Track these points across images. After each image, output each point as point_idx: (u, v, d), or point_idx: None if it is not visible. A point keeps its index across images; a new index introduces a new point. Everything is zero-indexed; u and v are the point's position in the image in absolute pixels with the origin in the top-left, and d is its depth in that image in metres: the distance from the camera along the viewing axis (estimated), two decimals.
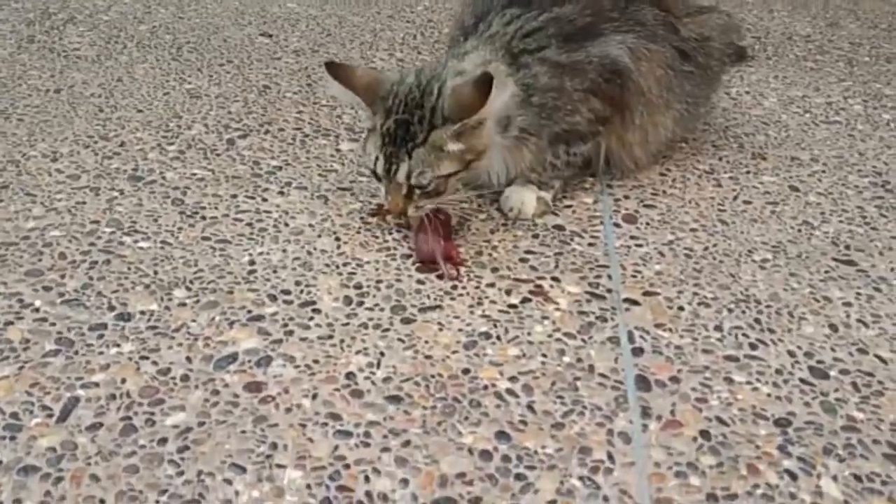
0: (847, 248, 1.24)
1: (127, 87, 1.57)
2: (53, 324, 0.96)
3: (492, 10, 1.22)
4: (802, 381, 0.96)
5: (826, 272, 1.17)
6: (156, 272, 1.07)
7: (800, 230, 1.27)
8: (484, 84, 1.05)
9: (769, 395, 0.93)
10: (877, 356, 1.01)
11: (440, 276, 1.08)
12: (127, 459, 0.79)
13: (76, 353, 0.93)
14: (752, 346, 1.00)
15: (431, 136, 1.08)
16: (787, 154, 1.52)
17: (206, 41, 1.80)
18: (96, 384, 0.88)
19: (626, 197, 1.33)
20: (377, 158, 1.11)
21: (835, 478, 0.83)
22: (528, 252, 1.16)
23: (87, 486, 0.76)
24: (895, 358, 1.01)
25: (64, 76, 1.60)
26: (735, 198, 1.35)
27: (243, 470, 0.79)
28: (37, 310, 0.98)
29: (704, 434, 0.87)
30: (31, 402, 0.85)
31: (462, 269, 1.10)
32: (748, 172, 1.44)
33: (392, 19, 2.03)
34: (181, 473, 0.78)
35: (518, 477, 0.80)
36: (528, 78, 1.15)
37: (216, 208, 1.22)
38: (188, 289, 1.04)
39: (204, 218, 1.19)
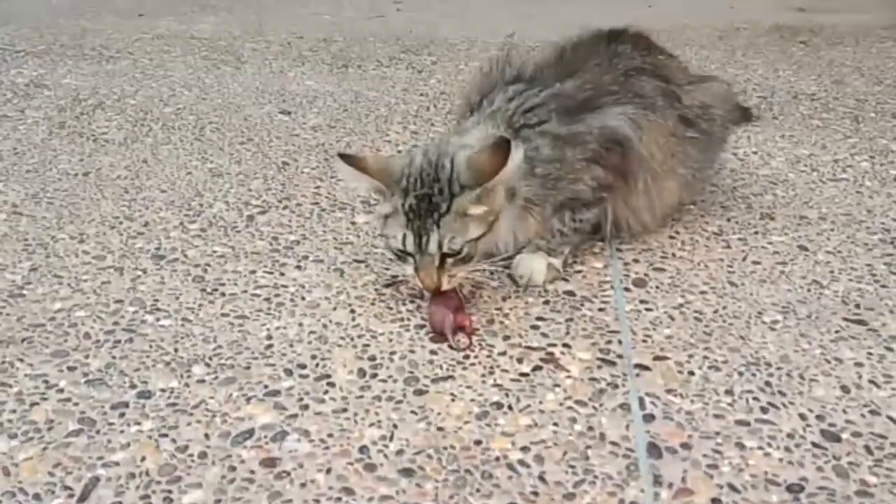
0: (857, 307, 1.24)
1: (152, 168, 1.64)
2: (77, 403, 0.99)
3: (497, 86, 1.27)
4: (815, 444, 0.96)
5: (836, 332, 1.17)
6: (176, 349, 1.10)
7: (809, 290, 1.28)
8: (501, 148, 1.10)
9: (781, 459, 0.93)
10: (889, 417, 1.01)
11: (451, 347, 1.11)
12: None
13: (98, 432, 0.95)
14: (763, 410, 1.01)
15: (454, 203, 1.12)
16: (795, 213, 1.54)
17: (228, 121, 1.88)
18: (117, 463, 0.91)
19: (636, 261, 1.35)
20: (405, 236, 1.13)
21: None
22: (539, 319, 1.18)
23: None
24: None
25: (92, 159, 1.68)
26: (744, 258, 1.37)
27: None
28: (61, 390, 1.01)
29: (716, 502, 0.87)
30: (53, 483, 0.87)
31: (474, 338, 1.12)
32: (757, 233, 1.46)
33: (406, 93, 2.11)
34: None
35: None
36: (531, 150, 1.20)
37: (235, 284, 1.26)
38: (207, 365, 1.07)
39: (223, 294, 1.23)
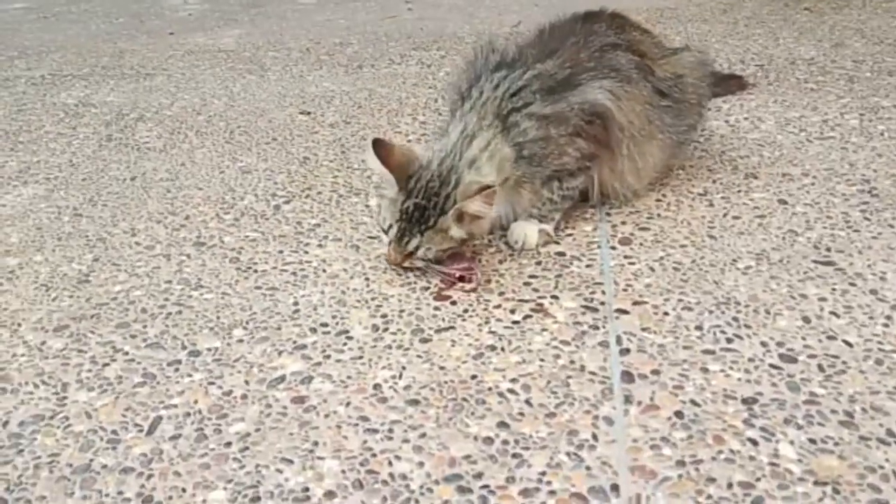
0: (828, 250, 1.36)
1: (189, 170, 1.83)
2: (139, 362, 1.18)
3: (483, 74, 1.42)
4: (772, 366, 1.09)
5: (805, 273, 1.30)
6: (218, 317, 1.28)
7: (784, 238, 1.40)
8: (487, 195, 1.25)
9: (740, 379, 1.06)
10: (845, 341, 1.13)
11: (461, 279, 1.29)
12: (201, 459, 0.99)
13: (158, 383, 1.14)
14: (729, 341, 1.14)
15: (440, 220, 1.29)
16: (778, 171, 1.65)
17: (254, 124, 2.07)
18: (175, 405, 1.09)
19: (623, 223, 1.49)
20: (391, 226, 1.31)
21: (792, 442, 0.96)
22: (531, 276, 1.33)
23: (171, 480, 0.96)
24: (862, 342, 1.13)
25: (137, 166, 1.88)
26: (725, 215, 1.49)
27: (291, 462, 0.97)
28: (126, 353, 1.20)
29: (678, 414, 1.01)
30: (126, 422, 1.06)
31: (473, 296, 1.28)
32: (740, 191, 1.58)
33: (416, 87, 2.27)
34: (242, 467, 0.97)
35: (514, 456, 0.96)
36: (519, 136, 1.34)
37: (266, 262, 1.43)
38: (245, 328, 1.25)
39: (256, 271, 1.41)
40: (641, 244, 1.41)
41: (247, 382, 1.12)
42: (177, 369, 1.16)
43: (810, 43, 2.50)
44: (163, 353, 1.20)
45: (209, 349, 1.20)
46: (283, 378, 1.13)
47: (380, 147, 1.32)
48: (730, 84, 2.10)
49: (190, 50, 2.78)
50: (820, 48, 2.44)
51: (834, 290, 1.25)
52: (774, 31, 2.65)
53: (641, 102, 1.45)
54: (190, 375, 1.14)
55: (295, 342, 1.20)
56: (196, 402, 1.09)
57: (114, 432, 1.04)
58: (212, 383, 1.12)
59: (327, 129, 2.01)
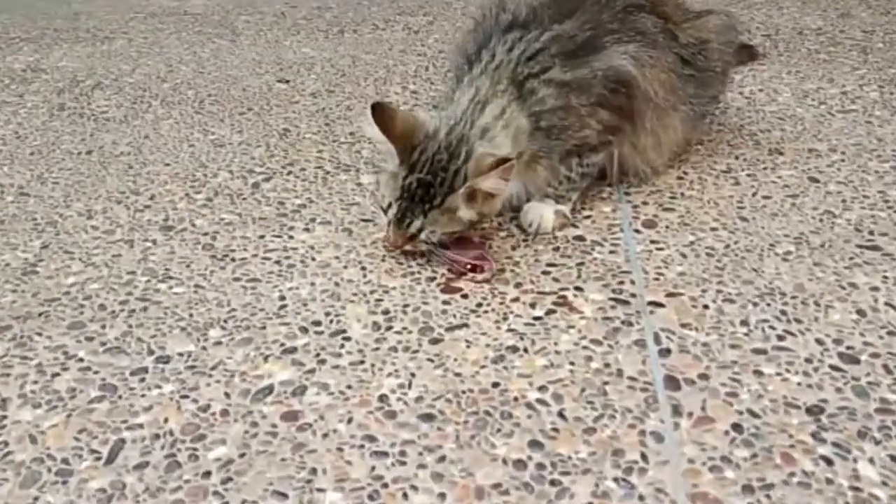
0: (871, 233, 1.23)
1: (154, 143, 1.64)
2: (97, 371, 1.00)
3: (493, 35, 1.25)
4: (833, 367, 0.96)
5: (851, 259, 1.17)
6: (191, 314, 1.11)
7: (821, 220, 1.27)
8: (505, 170, 1.09)
9: (800, 383, 0.93)
10: None
11: (472, 269, 1.14)
12: (173, 494, 0.82)
13: (120, 397, 0.96)
14: (780, 338, 1.00)
15: (449, 199, 1.12)
16: (804, 147, 1.52)
17: (227, 92, 1.87)
18: (140, 425, 0.92)
19: (645, 203, 1.34)
20: (391, 205, 1.15)
21: (871, 460, 0.83)
22: (549, 265, 1.18)
23: None
24: None
25: (94, 138, 1.68)
26: (754, 194, 1.35)
27: (285, 496, 0.81)
28: (81, 360, 1.02)
29: (736, 427, 0.87)
30: (80, 448, 0.88)
31: (486, 286, 1.12)
32: (766, 168, 1.44)
33: (404, 54, 2.09)
34: (226, 503, 0.81)
35: (553, 483, 0.81)
36: (536, 105, 1.19)
37: (245, 249, 1.26)
38: (223, 328, 1.08)
39: (234, 260, 1.23)
40: (668, 227, 1.26)
41: (227, 395, 0.96)
42: (142, 379, 0.99)
43: (815, 13, 2.38)
44: (125, 360, 1.02)
45: (181, 354, 1.03)
46: (270, 389, 0.96)
47: (380, 112, 1.15)
48: (741, 54, 1.95)
49: (153, 12, 2.56)
50: (826, 18, 2.33)
51: (886, 278, 1.12)
52: (777, 1, 2.52)
53: (666, 70, 1.30)
54: (158, 387, 0.97)
55: (283, 344, 1.04)
56: (166, 420, 0.92)
57: (65, 461, 0.87)
58: (185, 396, 0.96)
59: (308, 98, 1.83)
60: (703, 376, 0.94)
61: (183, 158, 1.57)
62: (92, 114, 1.80)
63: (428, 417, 0.90)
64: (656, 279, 1.13)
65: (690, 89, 1.35)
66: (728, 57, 1.43)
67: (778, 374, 0.94)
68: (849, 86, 1.80)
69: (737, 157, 1.49)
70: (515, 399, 0.92)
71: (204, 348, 1.04)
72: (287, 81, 1.93)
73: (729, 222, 1.27)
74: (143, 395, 0.96)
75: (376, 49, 2.13)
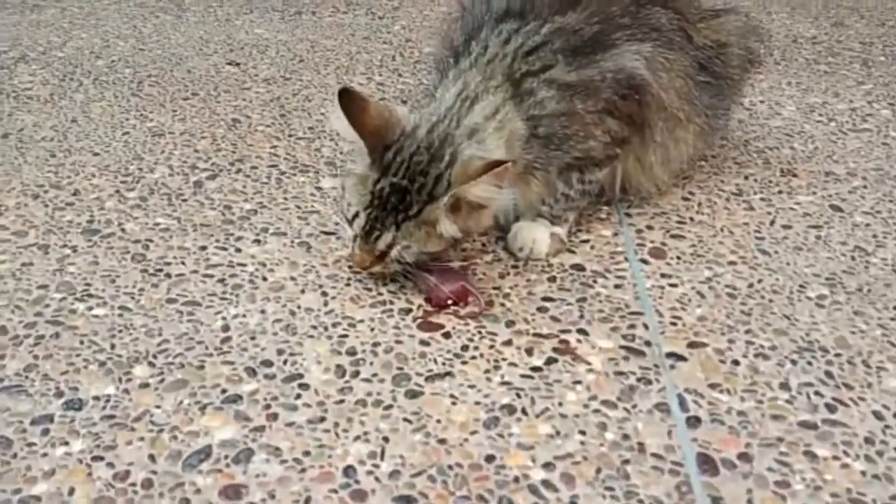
0: None
1: (82, 129, 1.41)
2: None
3: (484, 25, 1.07)
4: None
5: (895, 308, 1.02)
6: (113, 346, 0.90)
7: (853, 258, 1.12)
8: (497, 175, 0.90)
9: (864, 472, 0.77)
10: None
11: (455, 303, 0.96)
12: None
13: (14, 456, 0.76)
14: (830, 409, 0.85)
15: (427, 209, 0.93)
16: (819, 169, 1.38)
17: (169, 74, 1.65)
18: (37, 498, 0.72)
19: (650, 227, 1.18)
20: (357, 214, 0.95)
21: None
22: (546, 299, 1.00)
23: None
24: None
25: (13, 119, 1.44)
26: (772, 222, 1.20)
27: None
28: None
29: None
30: None
31: (473, 324, 0.94)
32: (780, 192, 1.29)
33: (368, 41, 1.88)
34: None
35: None
36: (534, 107, 1.01)
37: (183, 263, 1.05)
38: (151, 364, 0.88)
39: (169, 276, 1.03)
40: (679, 258, 1.10)
41: (153, 458, 0.76)
42: (46, 431, 0.78)
43: (807, 20, 2.27)
44: (25, 404, 0.81)
45: (97, 398, 0.83)
46: (207, 452, 0.77)
47: (349, 100, 0.95)
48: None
49: None
50: (819, 27, 2.21)
51: None
52: (765, 5, 2.40)
53: (682, 76, 1.14)
54: (66, 444, 0.77)
55: (224, 391, 0.84)
56: (72, 492, 0.72)
57: None
58: (98, 458, 0.75)
59: (262, 84, 1.61)
60: (745, 456, 0.78)
61: (115, 148, 1.34)
62: (13, 91, 1.55)
63: (406, 500, 0.72)
64: (673, 324, 0.96)
65: (706, 99, 1.19)
66: (746, 65, 1.28)
67: (835, 457, 0.78)
68: (857, 102, 1.68)
69: (746, 178, 1.34)
70: (516, 479, 0.74)
71: (126, 391, 0.84)
72: (237, 64, 1.71)
73: (748, 255, 1.11)
74: (44, 455, 0.76)
75: (337, 34, 1.92)
